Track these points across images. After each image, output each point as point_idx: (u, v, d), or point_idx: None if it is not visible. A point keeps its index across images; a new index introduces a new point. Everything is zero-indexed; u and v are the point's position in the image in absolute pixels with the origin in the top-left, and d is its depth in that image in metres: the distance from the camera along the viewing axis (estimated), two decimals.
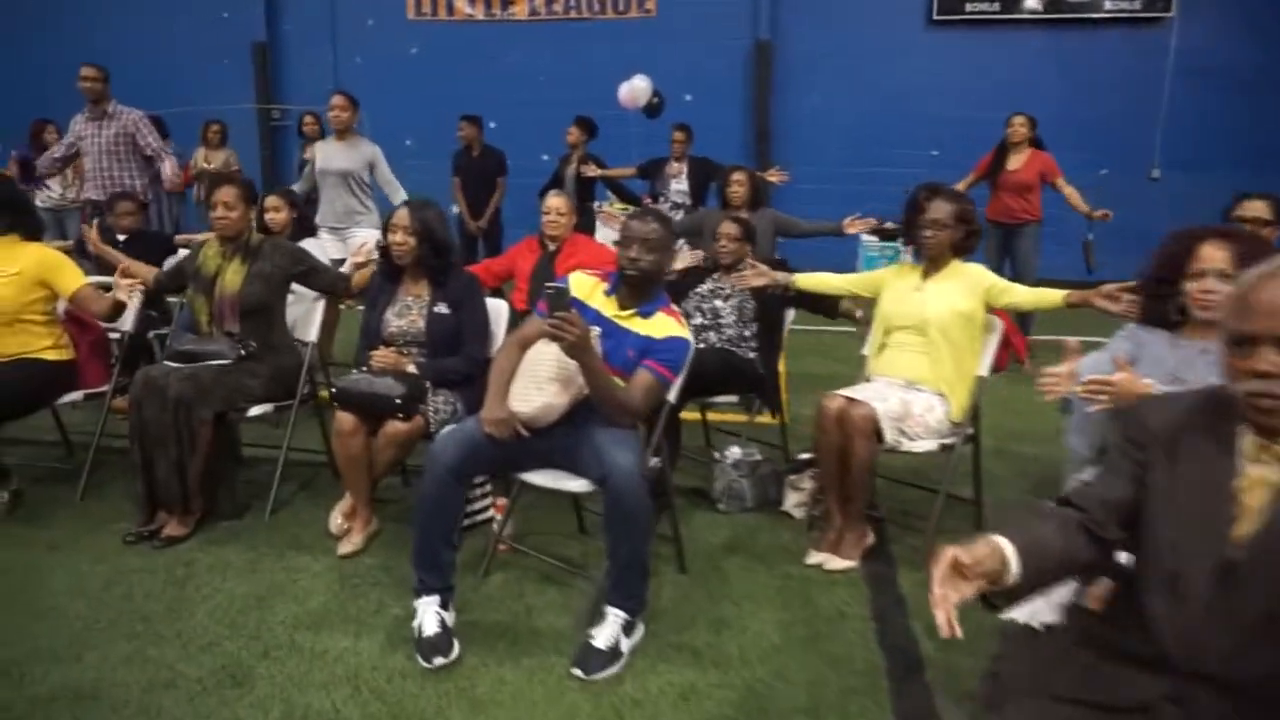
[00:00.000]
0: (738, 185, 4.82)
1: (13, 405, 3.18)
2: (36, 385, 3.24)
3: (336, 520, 3.12)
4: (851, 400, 2.90)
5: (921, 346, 3.06)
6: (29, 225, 3.28)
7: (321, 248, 4.61)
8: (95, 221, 4.92)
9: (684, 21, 9.71)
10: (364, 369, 2.99)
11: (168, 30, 10.59)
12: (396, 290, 3.15)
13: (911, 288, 3.12)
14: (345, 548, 2.98)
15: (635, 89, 8.21)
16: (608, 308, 2.63)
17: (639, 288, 2.60)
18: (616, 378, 2.48)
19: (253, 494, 3.39)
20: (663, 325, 2.57)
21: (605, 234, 7.78)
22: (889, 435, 2.88)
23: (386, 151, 7.73)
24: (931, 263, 3.11)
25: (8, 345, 3.20)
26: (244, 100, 10.57)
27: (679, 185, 6.78)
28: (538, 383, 2.51)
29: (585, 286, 2.68)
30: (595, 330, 2.44)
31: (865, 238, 8.61)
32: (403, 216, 3.03)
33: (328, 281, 3.42)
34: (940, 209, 3.00)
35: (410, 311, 3.10)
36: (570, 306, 2.29)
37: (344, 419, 2.88)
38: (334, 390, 2.87)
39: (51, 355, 3.28)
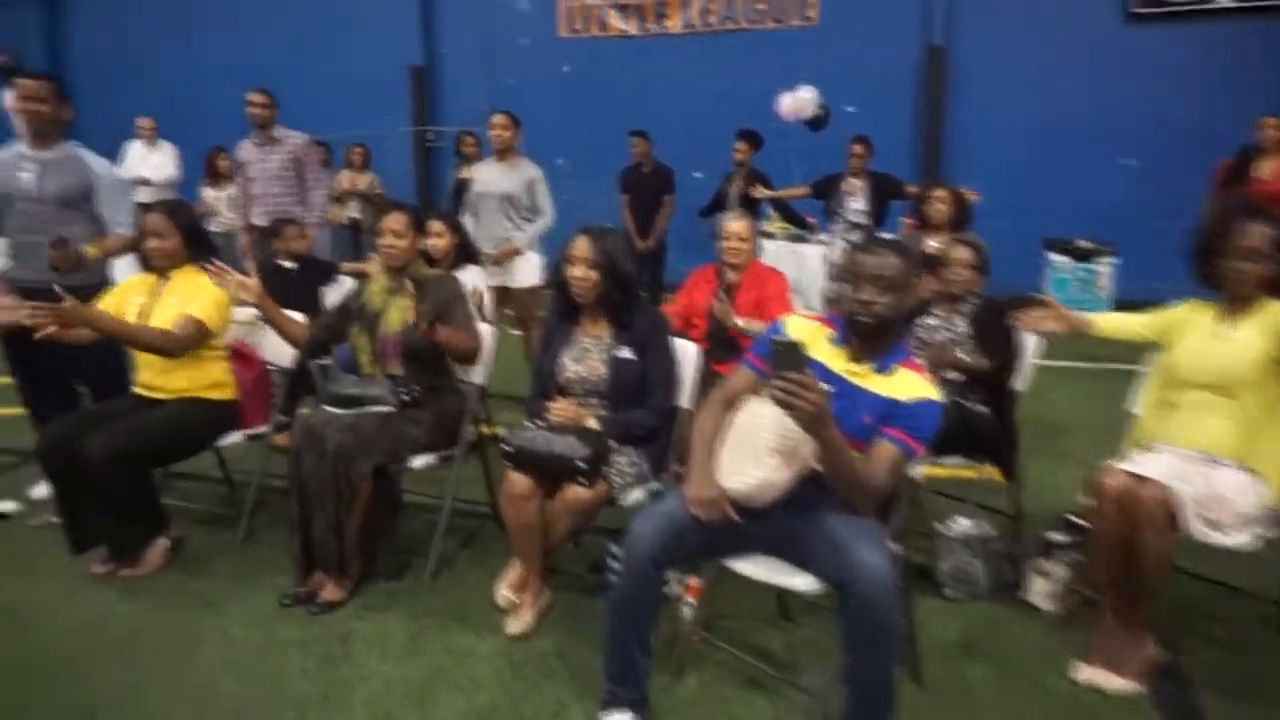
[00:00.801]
0: (940, 203, 4.24)
1: (176, 448, 3.00)
2: (200, 426, 3.05)
3: (504, 593, 2.76)
4: (1139, 478, 2.29)
5: (1226, 410, 2.41)
6: (205, 256, 3.10)
7: (483, 276, 4.33)
8: (255, 255, 4.87)
9: (849, 28, 9.12)
10: (538, 422, 2.61)
11: (327, 56, 10.87)
12: (573, 331, 2.78)
13: (1210, 334, 2.48)
14: (515, 627, 2.60)
15: (800, 100, 7.70)
16: (835, 360, 2.15)
17: (874, 337, 2.11)
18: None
19: (411, 548, 3.09)
20: (907, 384, 2.07)
21: (772, 256, 7.31)
22: (1192, 525, 2.26)
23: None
24: (1236, 302, 2.46)
25: (175, 381, 3.03)
26: (400, 124, 10.73)
27: (857, 204, 6.21)
28: (754, 454, 2.05)
29: (804, 334, 2.21)
30: (826, 388, 1.96)
31: (1055, 256, 7.78)
32: (583, 247, 2.65)
33: (458, 347, 2.99)
34: (1259, 235, 2.35)
35: (590, 356, 2.72)
36: (805, 366, 1.82)
37: (517, 481, 2.51)
38: (507, 448, 2.50)
39: (215, 394, 3.09)
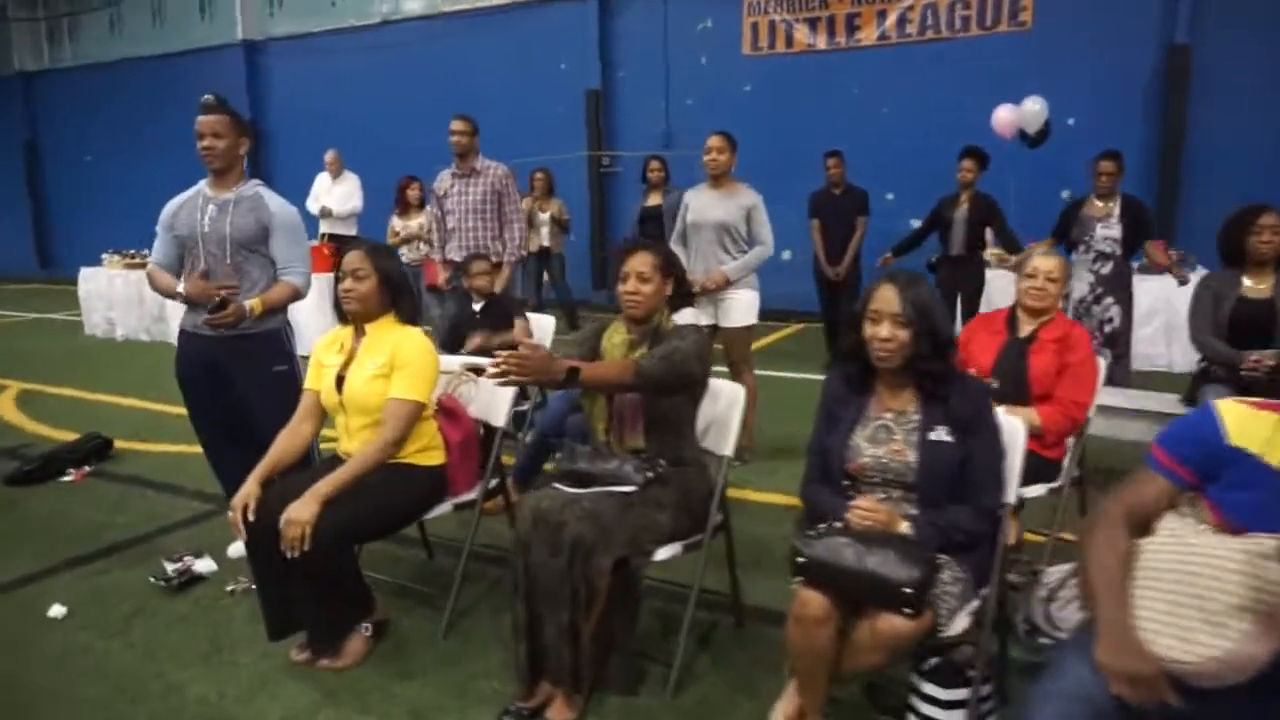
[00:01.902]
0: (1273, 235, 3.39)
1: (381, 523, 2.61)
2: (407, 498, 2.66)
3: None
4: None
5: None
6: (408, 307, 2.72)
7: (696, 317, 3.82)
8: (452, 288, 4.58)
9: (1071, 31, 8.16)
10: (835, 524, 2.03)
11: (506, 82, 10.82)
12: (865, 403, 2.18)
13: None
14: None
15: (1026, 113, 6.86)
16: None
17: None
18: None
19: (642, 648, 2.57)
20: None
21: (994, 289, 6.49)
22: None
23: None
24: None
25: None
26: (575, 149, 10.52)
27: (1107, 230, 5.32)
28: (1205, 612, 1.40)
29: (1252, 427, 1.54)
30: None
31: None
32: (889, 299, 2.06)
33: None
34: None
35: (892, 437, 2.12)
36: None
37: (812, 602, 1.94)
38: (802, 560, 1.94)
39: (426, 459, 2.69)
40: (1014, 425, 2.18)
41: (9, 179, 15.97)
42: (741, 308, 4.35)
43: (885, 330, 2.05)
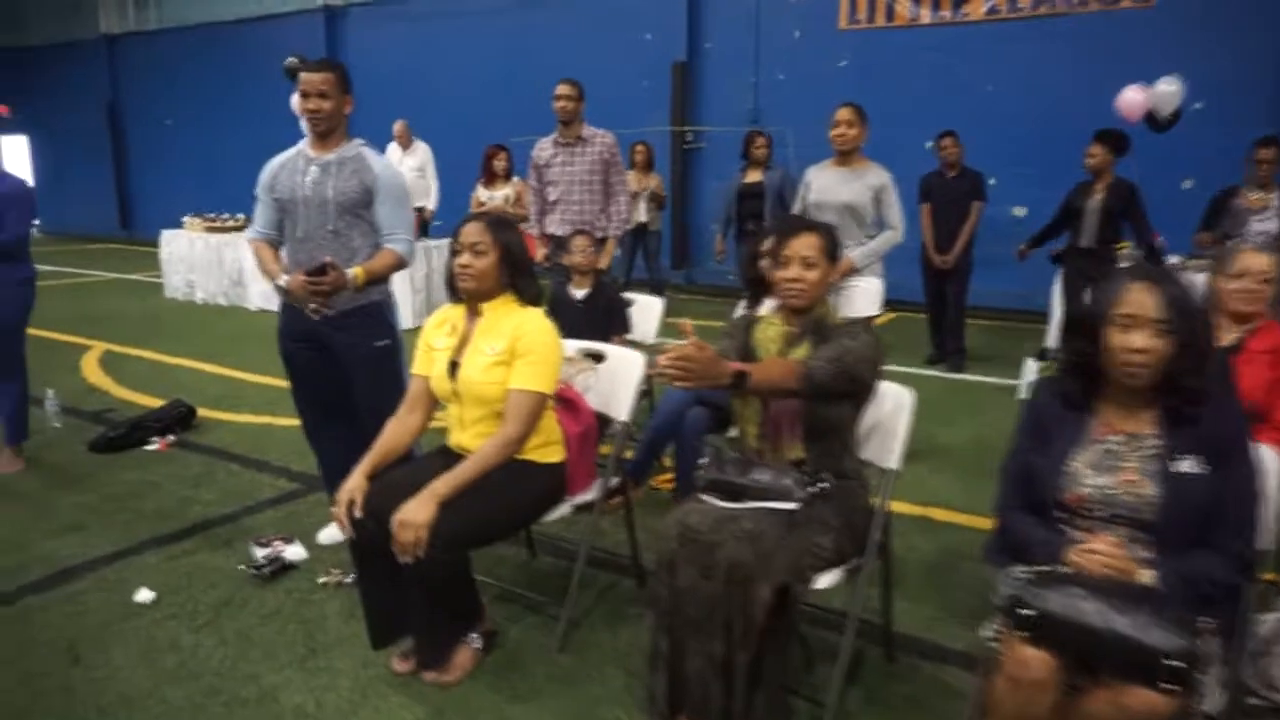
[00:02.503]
0: None
1: (499, 526, 2.36)
2: (528, 499, 2.39)
3: None
4: None
5: None
6: (529, 287, 2.44)
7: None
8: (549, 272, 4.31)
9: (1200, 9, 7.52)
10: (1060, 569, 1.70)
11: (590, 52, 10.49)
12: (1086, 422, 1.84)
13: None
14: None
15: (1159, 96, 6.31)
16: None
17: None
18: None
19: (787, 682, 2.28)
20: None
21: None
22: None
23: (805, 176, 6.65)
24: None
25: None
26: (659, 122, 10.16)
27: (1263, 223, 4.84)
28: None
29: None
30: None
31: None
32: (1146, 302, 1.69)
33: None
34: None
35: (1122, 465, 1.77)
36: None
37: (1036, 662, 1.61)
38: (1027, 612, 1.61)
39: (542, 456, 2.42)
40: (1266, 456, 1.82)
41: (93, 140, 16.21)
42: (865, 296, 3.98)
43: (1141, 340, 1.70)
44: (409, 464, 2.43)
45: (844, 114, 3.96)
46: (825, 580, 2.07)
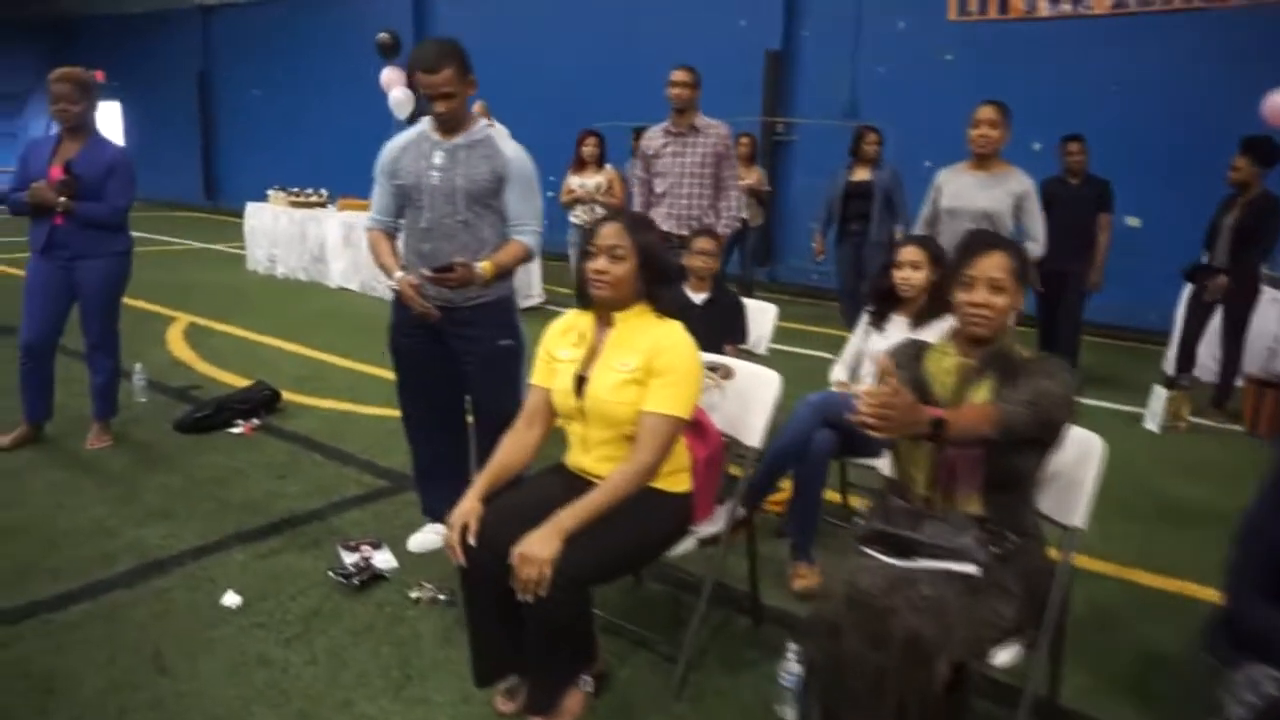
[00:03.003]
0: None
1: (626, 563, 2.14)
2: (656, 532, 2.16)
3: None
4: None
5: None
6: (668, 297, 2.19)
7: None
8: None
9: None
10: None
11: (677, 36, 10.18)
12: None
13: None
14: None
15: None
16: None
17: None
18: None
19: None
20: None
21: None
22: None
23: (904, 176, 6.28)
24: None
25: (611, 469, 2.14)
26: (748, 113, 9.82)
27: None
28: None
29: None
30: None
31: None
32: None
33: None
34: None
35: None
36: None
37: None
38: None
39: (671, 485, 2.18)
40: None
41: (183, 109, 16.49)
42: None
43: None
44: (524, 485, 2.21)
45: (987, 112, 3.64)
46: (1004, 656, 1.79)
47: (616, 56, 10.52)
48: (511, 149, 2.63)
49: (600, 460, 2.16)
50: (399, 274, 2.61)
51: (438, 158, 2.59)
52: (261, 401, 4.41)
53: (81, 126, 3.67)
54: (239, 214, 9.67)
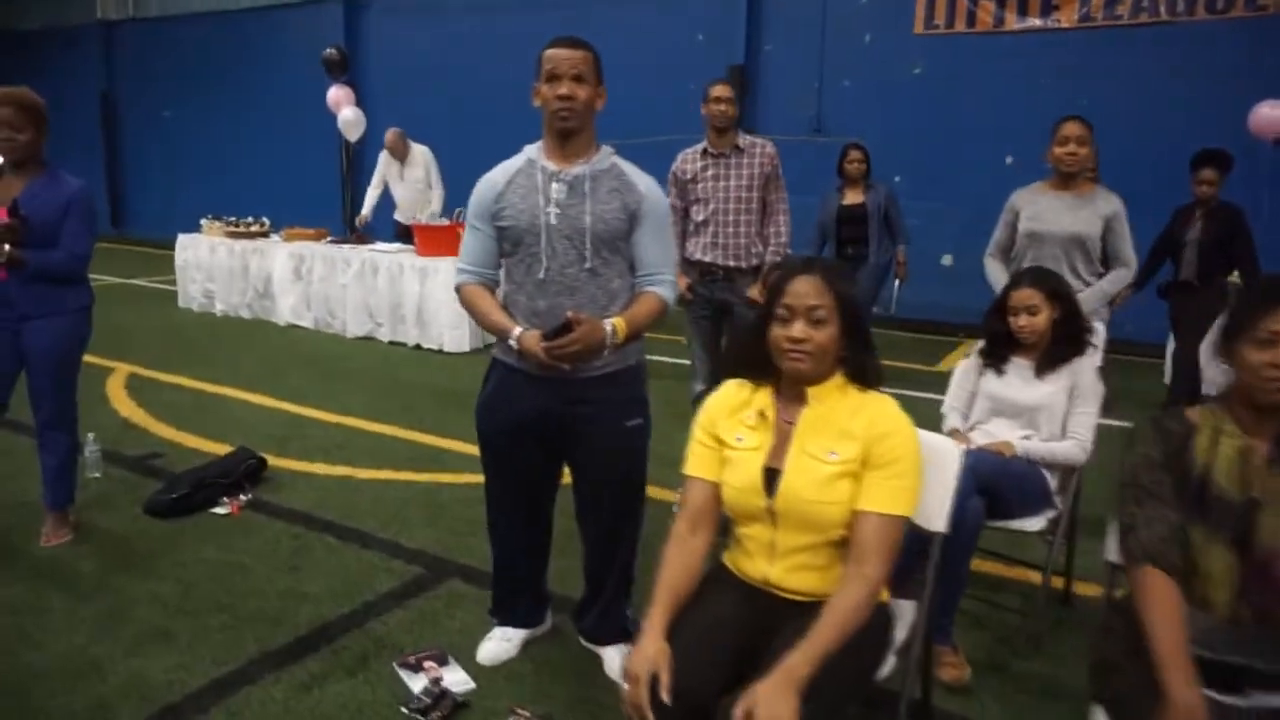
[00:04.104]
0: None
1: (852, 700, 1.68)
2: (869, 657, 1.73)
3: None
4: None
5: None
6: (871, 366, 1.76)
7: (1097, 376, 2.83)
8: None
9: None
10: None
11: (632, 52, 9.79)
12: None
13: None
14: None
15: None
16: None
17: None
18: None
19: None
20: None
21: None
22: None
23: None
24: None
25: (815, 580, 1.71)
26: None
27: None
28: None
29: None
30: None
31: None
32: None
33: None
34: None
35: None
36: None
37: None
38: None
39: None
40: None
41: (85, 130, 15.24)
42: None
43: None
44: (696, 609, 1.74)
45: (1073, 129, 3.33)
46: None
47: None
48: (645, 182, 2.17)
49: (792, 570, 1.72)
50: (518, 331, 2.10)
51: (556, 191, 2.11)
52: (245, 473, 3.79)
53: (30, 159, 3.04)
54: (154, 244, 8.84)
